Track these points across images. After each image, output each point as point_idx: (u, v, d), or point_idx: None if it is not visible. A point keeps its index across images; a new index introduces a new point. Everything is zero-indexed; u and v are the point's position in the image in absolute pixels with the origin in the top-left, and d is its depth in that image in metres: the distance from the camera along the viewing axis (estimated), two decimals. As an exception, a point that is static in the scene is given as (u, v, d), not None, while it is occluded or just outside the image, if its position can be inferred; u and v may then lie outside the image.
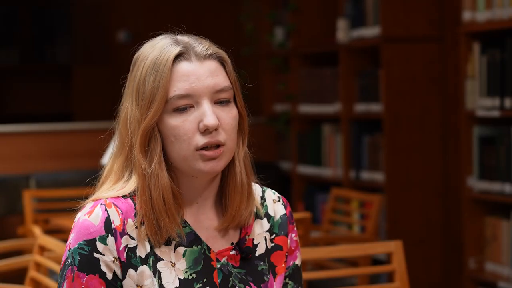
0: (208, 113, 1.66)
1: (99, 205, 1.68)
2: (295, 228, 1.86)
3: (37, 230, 4.22)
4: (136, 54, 1.73)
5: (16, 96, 8.93)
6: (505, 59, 4.06)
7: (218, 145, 1.67)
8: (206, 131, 1.66)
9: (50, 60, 9.18)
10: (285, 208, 1.85)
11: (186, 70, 1.68)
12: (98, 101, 7.96)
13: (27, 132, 6.05)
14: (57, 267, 2.69)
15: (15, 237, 4.86)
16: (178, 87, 1.67)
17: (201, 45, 1.71)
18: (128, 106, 1.70)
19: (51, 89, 9.00)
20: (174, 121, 1.67)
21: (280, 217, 1.83)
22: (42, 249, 2.89)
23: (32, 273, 2.83)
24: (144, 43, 1.74)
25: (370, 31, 5.11)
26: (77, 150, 5.99)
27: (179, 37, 1.73)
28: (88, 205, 1.70)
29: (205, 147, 1.67)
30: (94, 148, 5.65)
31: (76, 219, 1.69)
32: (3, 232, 5.51)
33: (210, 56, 1.70)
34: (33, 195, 4.94)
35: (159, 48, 1.70)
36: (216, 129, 1.66)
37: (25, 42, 9.12)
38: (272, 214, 1.83)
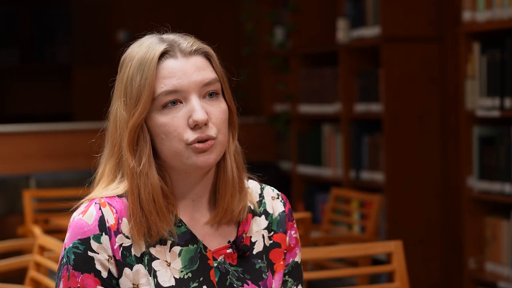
0: (197, 108, 1.66)
1: (94, 204, 1.68)
2: (295, 226, 1.85)
3: (37, 230, 4.22)
4: (123, 56, 1.74)
5: (16, 96, 8.93)
6: (505, 59, 4.06)
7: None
8: (196, 126, 1.66)
9: (50, 60, 9.17)
10: (284, 205, 1.84)
11: (172, 67, 1.67)
12: (98, 101, 7.86)
13: (27, 132, 6.05)
14: (57, 267, 2.68)
15: (15, 237, 4.86)
16: (165, 84, 1.66)
17: (186, 42, 1.71)
18: (117, 108, 1.70)
19: (51, 89, 8.99)
20: (163, 118, 1.67)
21: (279, 214, 1.82)
22: (42, 249, 2.88)
23: (32, 273, 2.83)
24: (131, 44, 1.74)
25: (370, 31, 5.10)
26: (77, 150, 5.99)
27: (164, 35, 1.73)
28: (83, 204, 1.71)
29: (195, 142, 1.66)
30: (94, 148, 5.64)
31: (71, 219, 1.69)
32: (3, 232, 5.51)
33: (195, 52, 1.70)
34: (33, 195, 4.94)
35: (144, 47, 1.70)
36: (206, 124, 1.66)
37: (25, 42, 9.12)
38: (270, 211, 1.82)
